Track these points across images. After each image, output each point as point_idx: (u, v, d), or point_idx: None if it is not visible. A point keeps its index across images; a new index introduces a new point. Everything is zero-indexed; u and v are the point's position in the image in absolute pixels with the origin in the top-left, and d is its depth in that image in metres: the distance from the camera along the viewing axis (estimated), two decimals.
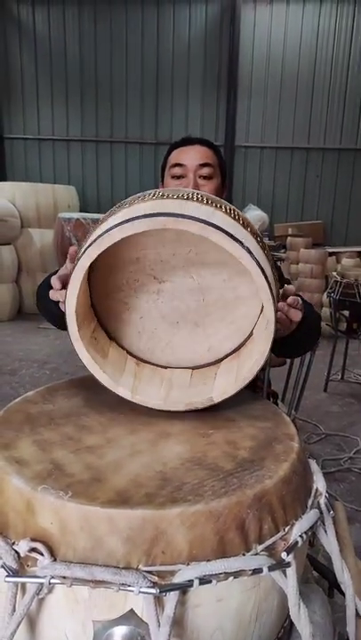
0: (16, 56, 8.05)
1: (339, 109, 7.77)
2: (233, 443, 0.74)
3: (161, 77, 7.91)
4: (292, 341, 1.09)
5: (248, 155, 8.04)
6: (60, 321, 1.04)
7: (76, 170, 8.43)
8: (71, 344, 0.80)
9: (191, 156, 1.26)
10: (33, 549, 0.57)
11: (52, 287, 0.92)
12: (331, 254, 6.35)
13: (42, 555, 0.57)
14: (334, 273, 4.35)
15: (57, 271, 0.97)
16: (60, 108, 8.17)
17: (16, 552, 0.58)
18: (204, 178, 1.26)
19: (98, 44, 7.90)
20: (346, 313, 4.12)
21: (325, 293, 4.79)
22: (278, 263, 5.10)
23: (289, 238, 6.79)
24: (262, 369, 2.68)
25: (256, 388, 1.57)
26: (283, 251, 6.67)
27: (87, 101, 8.11)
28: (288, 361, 3.16)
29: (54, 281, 0.91)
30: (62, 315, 0.93)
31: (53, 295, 0.91)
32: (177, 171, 1.27)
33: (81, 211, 7.14)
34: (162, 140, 8.01)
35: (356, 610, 0.73)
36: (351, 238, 7.96)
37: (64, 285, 0.87)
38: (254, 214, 6.06)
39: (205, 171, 1.26)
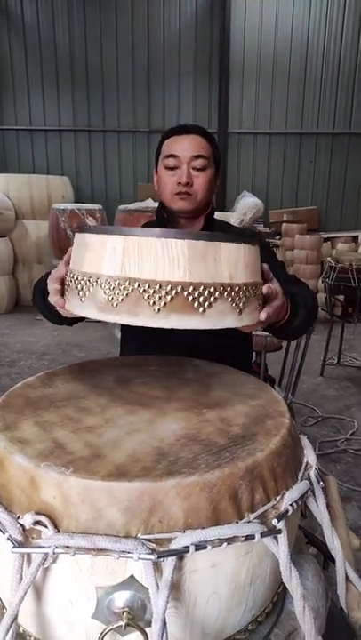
0: (5, 46, 7.96)
1: (331, 93, 7.74)
2: (226, 420, 0.77)
3: (152, 65, 7.84)
4: (289, 328, 1.11)
5: (241, 141, 8.02)
6: (57, 319, 1.07)
7: (69, 160, 8.39)
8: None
9: (185, 147, 1.25)
10: (37, 522, 0.60)
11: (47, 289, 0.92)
12: (326, 240, 6.37)
13: (46, 527, 0.60)
14: (329, 258, 4.38)
15: (50, 272, 0.97)
16: (52, 97, 8.11)
17: (21, 525, 0.61)
18: (198, 169, 1.26)
19: (88, 32, 7.82)
20: (341, 298, 4.16)
21: (320, 279, 4.82)
22: (274, 249, 5.10)
23: (284, 224, 6.80)
24: (258, 354, 2.71)
25: (253, 373, 1.60)
26: (278, 237, 6.69)
27: (78, 91, 8.05)
28: (284, 345, 3.20)
29: (51, 286, 0.90)
30: (59, 315, 0.96)
31: (52, 300, 0.90)
32: (170, 162, 1.26)
33: (75, 201, 7.13)
34: (155, 128, 7.97)
35: (345, 574, 0.76)
36: (346, 223, 7.98)
37: (62, 288, 0.88)
38: (249, 201, 6.06)
39: (199, 162, 1.25)
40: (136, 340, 1.38)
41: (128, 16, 7.71)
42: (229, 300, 0.75)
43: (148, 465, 0.63)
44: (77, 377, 0.95)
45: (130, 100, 8.04)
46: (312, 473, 0.77)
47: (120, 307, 0.72)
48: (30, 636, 0.68)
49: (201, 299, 0.72)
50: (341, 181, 8.03)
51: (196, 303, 0.72)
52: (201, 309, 0.72)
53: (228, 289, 0.74)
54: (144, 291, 0.71)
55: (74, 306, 0.80)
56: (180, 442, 0.70)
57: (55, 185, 6.78)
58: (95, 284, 0.74)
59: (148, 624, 0.60)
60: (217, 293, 0.73)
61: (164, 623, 0.56)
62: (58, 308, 0.90)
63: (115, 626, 0.59)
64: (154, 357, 1.11)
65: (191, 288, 0.71)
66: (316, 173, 8.04)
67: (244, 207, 5.91)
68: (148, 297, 0.71)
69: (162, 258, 0.71)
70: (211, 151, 1.29)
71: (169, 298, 0.71)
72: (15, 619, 0.58)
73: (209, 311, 0.73)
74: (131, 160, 8.29)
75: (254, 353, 2.94)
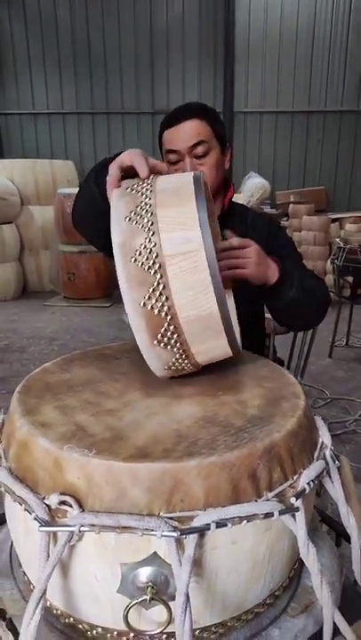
0: (6, 30, 7.85)
1: (340, 70, 7.58)
2: (242, 402, 0.78)
3: (156, 45, 7.71)
4: (284, 299, 1.11)
5: (248, 120, 7.90)
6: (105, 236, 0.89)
7: (72, 143, 8.33)
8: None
9: (182, 138, 1.22)
10: (62, 502, 0.62)
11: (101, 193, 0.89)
12: (334, 220, 6.31)
13: (71, 506, 0.62)
14: (337, 239, 4.34)
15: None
16: (54, 81, 8.02)
17: (47, 505, 0.63)
18: (200, 157, 1.23)
19: (89, 13, 7.68)
20: (350, 279, 4.14)
21: (329, 260, 4.79)
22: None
23: (291, 206, 6.73)
24: (267, 336, 2.73)
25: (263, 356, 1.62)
26: (285, 219, 6.63)
27: (81, 73, 7.95)
28: None
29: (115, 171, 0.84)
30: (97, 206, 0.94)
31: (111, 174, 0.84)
32: (172, 157, 1.24)
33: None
34: (159, 109, 7.87)
35: None
36: (354, 203, 7.89)
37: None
38: (256, 182, 6.00)
39: (200, 150, 1.22)
40: None
41: None
42: None
43: (169, 446, 0.65)
44: (93, 362, 0.96)
45: (133, 82, 7.93)
46: (327, 453, 0.78)
47: None
48: (57, 610, 0.71)
49: None
50: (350, 160, 7.91)
51: None
52: None
53: None
54: None
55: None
56: (199, 424, 0.71)
57: (60, 169, 6.74)
58: None
59: (172, 598, 0.62)
60: None
61: (188, 597, 0.58)
62: (108, 187, 0.84)
63: (139, 600, 0.61)
64: None
65: None
66: (323, 153, 7.93)
67: (251, 188, 5.85)
68: None
69: None
70: (210, 131, 1.25)
71: None
72: (44, 594, 0.61)
73: None
74: (135, 142, 8.21)
75: None
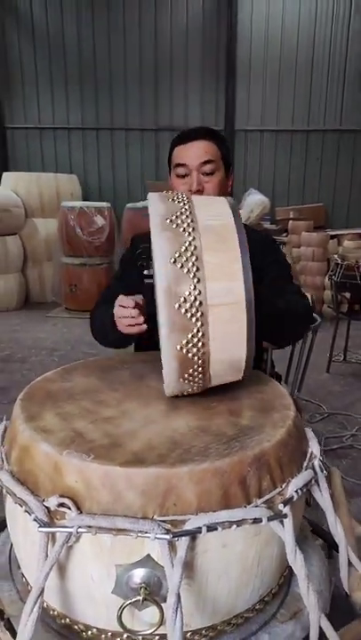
0: (14, 45, 8.02)
1: (338, 89, 7.71)
2: (235, 412, 0.82)
3: (160, 63, 7.87)
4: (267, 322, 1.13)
5: (248, 138, 8.02)
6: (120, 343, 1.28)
7: (77, 158, 8.44)
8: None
9: (192, 155, 1.30)
10: (61, 504, 0.66)
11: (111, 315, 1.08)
12: (332, 237, 6.37)
13: (69, 509, 0.65)
14: (335, 255, 4.40)
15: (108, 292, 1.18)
16: (60, 96, 8.16)
17: (46, 507, 0.66)
18: (207, 174, 1.31)
19: (95, 31, 7.84)
20: (347, 295, 4.18)
21: (327, 276, 4.84)
22: (281, 246, 5.06)
23: (290, 222, 6.80)
24: (265, 350, 2.76)
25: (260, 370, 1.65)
26: (284, 234, 6.70)
27: (87, 89, 8.09)
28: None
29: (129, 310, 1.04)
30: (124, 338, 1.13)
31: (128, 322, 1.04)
32: (180, 171, 1.32)
33: (83, 199, 7.18)
34: (162, 125, 7.99)
35: (348, 558, 0.81)
36: (353, 220, 7.96)
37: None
38: (256, 199, 6.08)
39: (207, 168, 1.31)
40: (149, 338, 1.42)
41: (136, 14, 7.73)
42: None
43: (163, 453, 0.68)
44: (93, 372, 1.00)
45: (137, 99, 8.06)
46: (316, 463, 0.81)
47: None
48: (54, 611, 0.74)
49: None
50: (348, 178, 8.01)
51: None
52: None
53: None
54: None
55: None
56: (193, 432, 0.75)
57: (64, 183, 6.82)
58: None
59: (164, 600, 0.65)
60: None
61: (179, 597, 0.61)
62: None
63: (133, 600, 0.64)
64: None
65: None
66: (322, 170, 8.04)
67: (251, 204, 5.92)
68: None
69: None
70: (218, 153, 1.34)
71: None
72: (41, 593, 0.64)
73: None
74: (138, 158, 8.32)
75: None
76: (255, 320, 0.78)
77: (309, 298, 1.50)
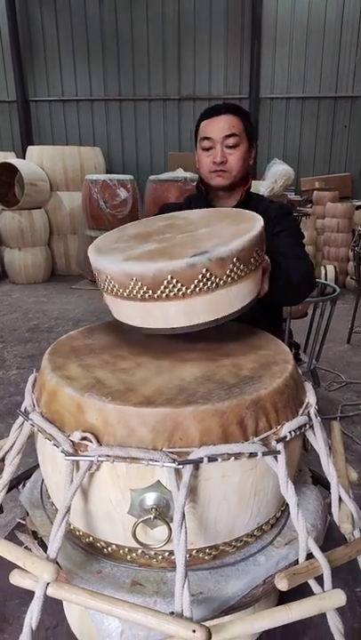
0: (36, 17, 7.98)
1: None
2: (238, 365, 0.91)
3: (183, 31, 7.72)
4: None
5: (273, 106, 7.87)
6: None
7: (100, 130, 8.46)
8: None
9: (218, 128, 1.39)
10: (84, 438, 0.77)
11: None
12: (358, 207, 6.28)
13: (91, 442, 0.76)
14: (359, 227, 4.37)
15: None
16: (83, 68, 8.13)
17: (71, 441, 0.78)
18: (231, 147, 1.40)
19: (117, 0, 7.73)
20: None
21: (349, 247, 4.82)
22: (304, 218, 5.08)
23: (315, 192, 6.71)
24: (284, 320, 2.81)
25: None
26: (309, 205, 6.63)
27: (109, 60, 8.03)
28: (309, 313, 3.28)
29: None
30: None
31: None
32: (206, 144, 1.41)
33: (107, 171, 7.24)
34: (185, 95, 7.91)
35: (339, 495, 0.90)
36: None
37: None
38: (280, 169, 6.01)
39: (231, 141, 1.39)
40: None
41: None
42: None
43: (171, 397, 0.78)
44: (113, 332, 1.10)
45: (160, 68, 7.97)
46: (312, 411, 0.90)
47: None
48: (79, 531, 0.86)
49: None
50: None
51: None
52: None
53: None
54: None
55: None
56: (198, 381, 0.84)
57: (87, 156, 6.89)
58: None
59: (172, 520, 0.76)
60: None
61: (183, 515, 0.72)
62: None
63: (145, 518, 0.76)
64: None
65: None
66: (350, 138, 7.85)
67: (275, 175, 5.87)
68: None
69: None
70: (242, 127, 1.42)
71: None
72: (68, 511, 0.75)
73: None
74: (161, 128, 8.28)
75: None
76: None
77: (330, 269, 1.53)
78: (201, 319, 0.90)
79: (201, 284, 0.85)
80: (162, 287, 0.84)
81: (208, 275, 0.85)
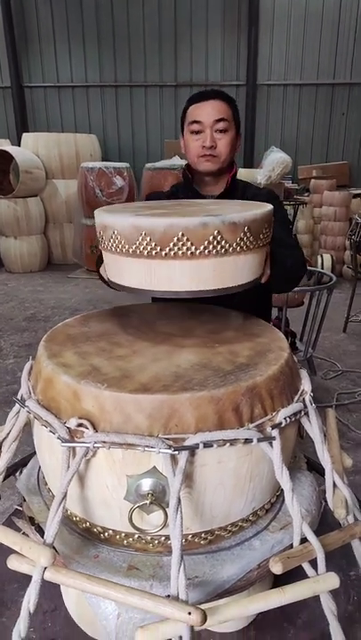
0: (31, 3, 7.84)
1: None
2: (234, 352, 0.91)
3: (179, 17, 7.61)
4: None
5: (271, 93, 7.80)
6: None
7: (96, 117, 8.36)
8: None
9: (207, 112, 1.37)
10: (80, 425, 0.77)
11: None
12: (355, 196, 6.26)
13: (87, 428, 0.76)
14: (356, 215, 4.36)
15: None
16: (78, 53, 8.02)
17: (67, 428, 0.78)
18: (220, 132, 1.38)
19: None
20: None
21: (346, 235, 4.81)
22: (302, 207, 5.08)
23: (312, 181, 6.68)
24: (280, 309, 2.83)
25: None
26: (306, 194, 6.60)
27: (104, 45, 7.92)
28: (306, 302, 3.28)
29: None
30: None
31: None
32: (195, 127, 1.39)
33: (103, 159, 7.17)
34: (182, 81, 7.82)
35: (333, 482, 0.91)
36: None
37: None
38: (277, 157, 5.98)
39: (221, 125, 1.37)
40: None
41: None
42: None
43: (168, 383, 0.78)
44: (109, 319, 1.10)
45: (156, 54, 7.87)
46: (307, 398, 0.91)
47: None
48: (76, 517, 0.87)
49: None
50: None
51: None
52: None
53: None
54: None
55: None
56: (194, 368, 0.85)
57: (83, 143, 6.82)
58: None
59: (168, 506, 0.77)
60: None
61: (179, 500, 0.72)
62: None
63: (141, 503, 0.76)
64: (175, 304, 1.24)
65: None
66: (348, 126, 7.80)
67: (272, 163, 5.84)
68: None
69: None
70: (231, 114, 1.41)
71: None
72: (65, 496, 0.76)
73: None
74: (157, 115, 8.20)
75: (276, 308, 3.06)
76: None
77: (326, 258, 1.54)
78: (205, 285, 0.87)
79: (211, 246, 0.83)
80: (171, 244, 0.82)
81: (219, 237, 0.83)
